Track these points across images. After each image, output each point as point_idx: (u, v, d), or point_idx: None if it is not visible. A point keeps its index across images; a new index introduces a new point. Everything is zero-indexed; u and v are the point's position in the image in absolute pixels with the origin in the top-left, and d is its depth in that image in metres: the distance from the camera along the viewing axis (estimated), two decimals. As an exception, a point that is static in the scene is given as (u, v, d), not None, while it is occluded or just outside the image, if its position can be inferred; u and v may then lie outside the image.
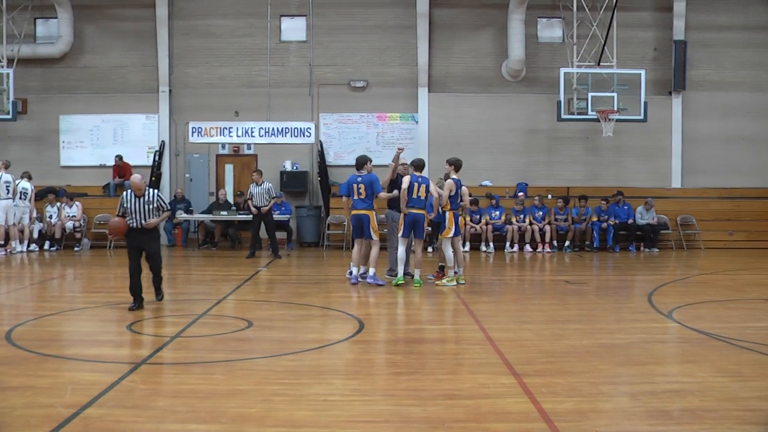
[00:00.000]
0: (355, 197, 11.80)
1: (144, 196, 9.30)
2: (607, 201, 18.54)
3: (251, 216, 16.53)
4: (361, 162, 12.05)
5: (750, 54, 20.45)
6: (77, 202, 18.32)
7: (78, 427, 4.82)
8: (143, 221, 9.29)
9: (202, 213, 19.01)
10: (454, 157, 12.30)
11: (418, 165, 11.87)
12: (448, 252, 11.71)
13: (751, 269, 14.86)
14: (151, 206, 9.30)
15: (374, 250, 11.73)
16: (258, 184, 16.28)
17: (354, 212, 11.86)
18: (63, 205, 18.16)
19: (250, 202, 16.28)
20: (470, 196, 13.75)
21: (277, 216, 18.00)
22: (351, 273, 12.12)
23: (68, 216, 17.96)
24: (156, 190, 9.55)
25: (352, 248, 12.14)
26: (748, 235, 19.38)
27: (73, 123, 20.35)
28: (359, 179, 11.82)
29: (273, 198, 16.50)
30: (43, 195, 18.56)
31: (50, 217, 18.17)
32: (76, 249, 17.87)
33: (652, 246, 18.44)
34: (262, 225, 16.38)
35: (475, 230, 18.18)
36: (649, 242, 18.47)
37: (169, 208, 9.59)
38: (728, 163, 20.36)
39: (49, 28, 20.41)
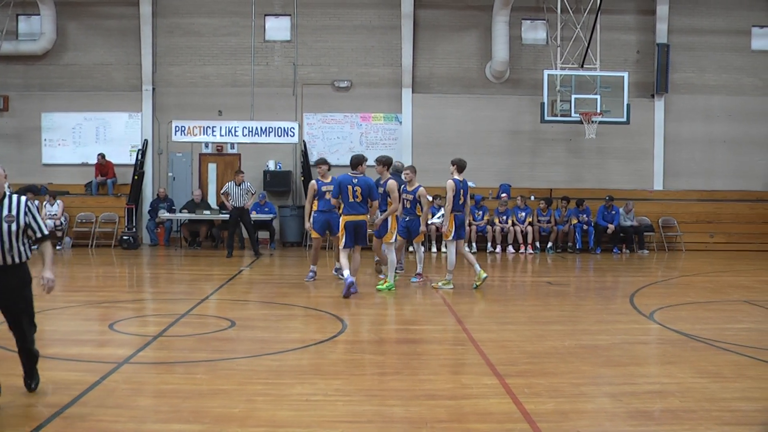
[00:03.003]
0: (350, 200, 10.59)
1: (2, 206, 5.33)
2: (581, 203, 18.58)
3: (228, 215, 16.52)
4: (357, 162, 10.87)
5: (732, 57, 20.59)
6: (59, 201, 18.15)
7: (59, 426, 4.80)
8: (5, 253, 5.37)
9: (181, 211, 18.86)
10: (458, 157, 11.58)
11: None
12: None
13: (731, 271, 14.98)
14: (13, 225, 5.33)
15: (357, 257, 10.99)
16: (237, 184, 16.24)
17: (348, 218, 10.62)
18: (45, 203, 17.97)
19: (225, 198, 16.23)
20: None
21: (260, 216, 18.00)
22: (350, 283, 10.35)
23: (49, 214, 17.78)
24: (25, 198, 5.55)
25: (338, 257, 10.96)
26: (729, 237, 19.52)
27: (56, 121, 20.15)
28: (355, 181, 10.62)
29: (253, 194, 16.51)
30: (20, 194, 18.35)
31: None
32: (57, 247, 17.70)
33: (641, 248, 18.54)
34: (242, 226, 16.43)
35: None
36: (632, 244, 18.55)
37: (46, 232, 5.69)
38: (710, 165, 20.52)
39: (32, 25, 20.20)
